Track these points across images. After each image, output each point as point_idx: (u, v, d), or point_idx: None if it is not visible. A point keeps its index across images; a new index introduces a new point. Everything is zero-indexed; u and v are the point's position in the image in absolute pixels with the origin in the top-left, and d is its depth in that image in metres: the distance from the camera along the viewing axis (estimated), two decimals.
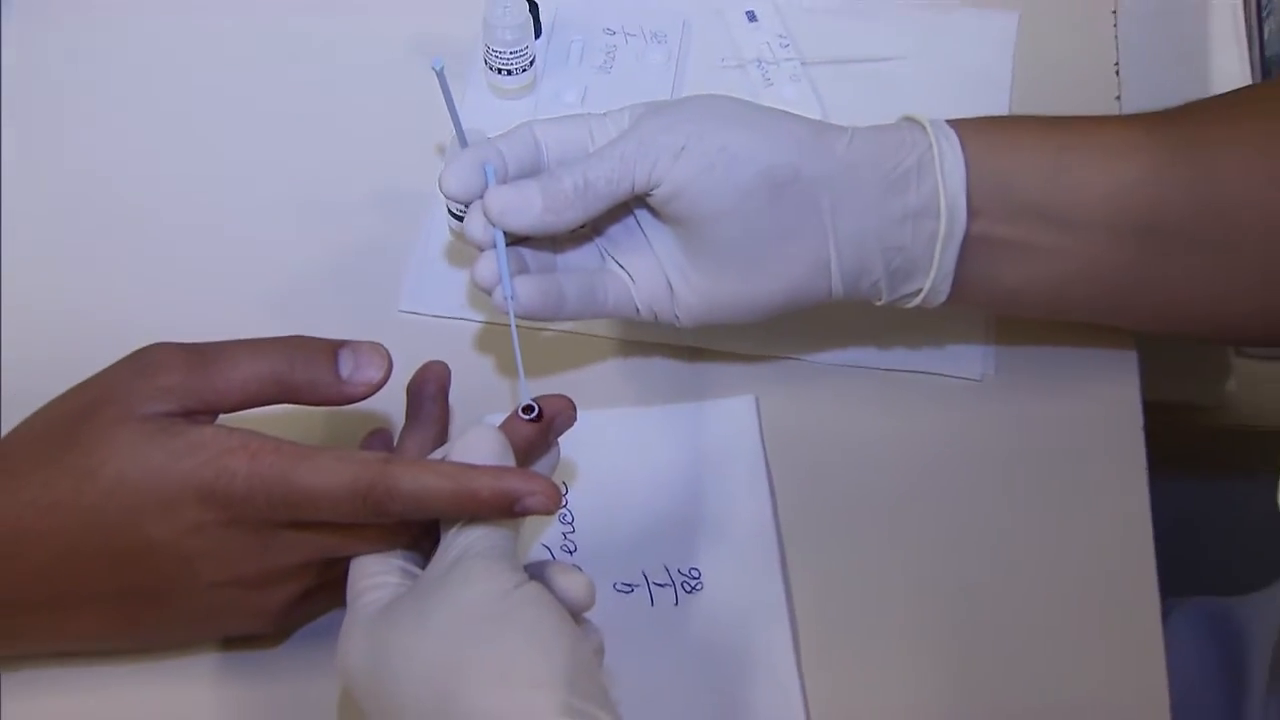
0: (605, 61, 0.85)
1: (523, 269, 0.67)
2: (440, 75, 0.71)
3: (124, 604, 0.60)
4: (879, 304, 0.69)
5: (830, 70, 0.84)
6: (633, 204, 0.68)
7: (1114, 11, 0.87)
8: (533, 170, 0.66)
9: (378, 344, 0.62)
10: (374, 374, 0.62)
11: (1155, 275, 0.68)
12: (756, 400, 0.73)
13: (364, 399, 0.62)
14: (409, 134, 0.81)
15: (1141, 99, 0.83)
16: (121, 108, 0.85)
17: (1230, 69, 0.93)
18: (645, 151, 0.64)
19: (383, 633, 0.56)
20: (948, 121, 0.67)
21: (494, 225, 0.65)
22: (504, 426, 0.61)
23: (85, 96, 0.85)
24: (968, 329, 0.75)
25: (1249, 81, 0.92)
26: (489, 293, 0.66)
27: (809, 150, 0.65)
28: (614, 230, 0.69)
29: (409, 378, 0.67)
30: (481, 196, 0.66)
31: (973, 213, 0.66)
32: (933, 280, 0.67)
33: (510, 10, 0.80)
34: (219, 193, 0.81)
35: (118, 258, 0.79)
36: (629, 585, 0.68)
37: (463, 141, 0.74)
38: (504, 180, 0.66)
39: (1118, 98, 0.83)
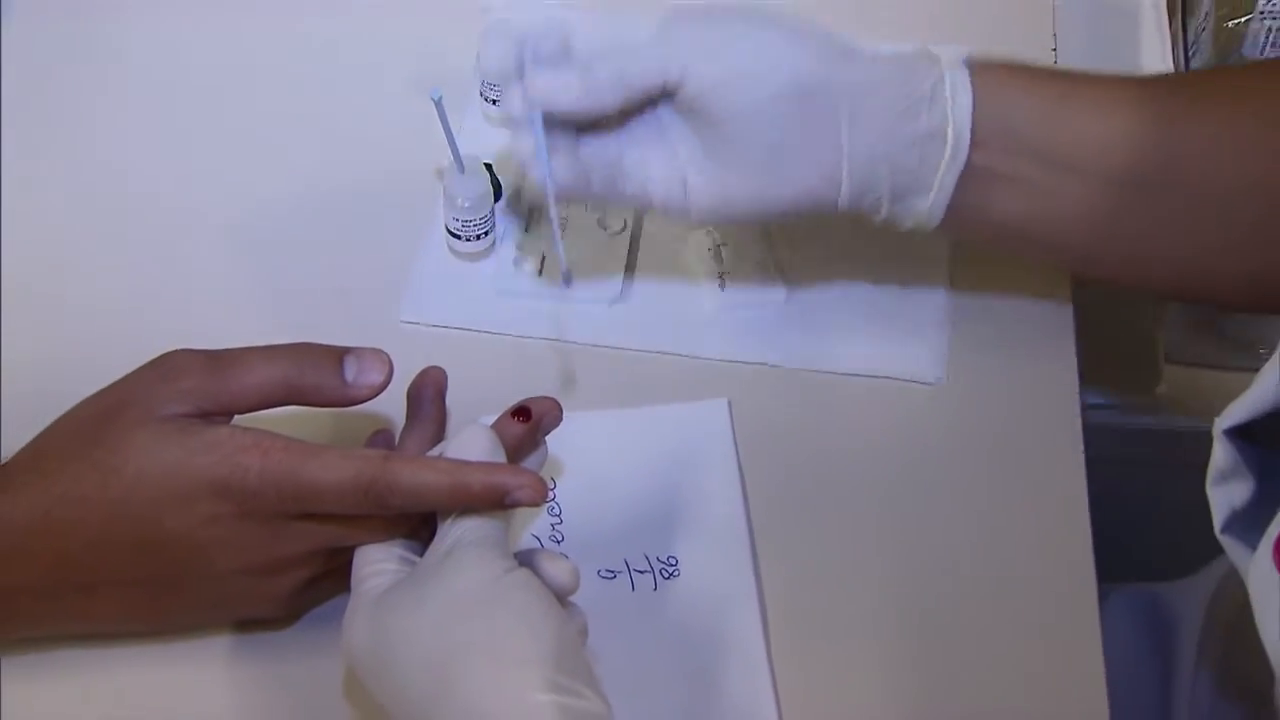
0: None
1: (553, 150, 0.66)
2: (438, 104, 0.72)
3: (145, 590, 0.61)
4: (877, 220, 0.69)
5: None
6: (657, 100, 0.67)
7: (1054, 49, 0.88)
8: (561, 61, 0.65)
9: (379, 350, 0.63)
10: (376, 377, 0.62)
11: (1134, 226, 0.68)
12: (729, 403, 0.73)
13: (368, 401, 0.63)
14: (410, 157, 0.82)
15: None
16: (129, 122, 0.85)
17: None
18: (681, 49, 0.64)
19: (383, 616, 0.56)
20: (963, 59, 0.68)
21: (533, 105, 0.64)
22: (496, 426, 0.62)
23: (89, 116, 0.86)
24: (925, 335, 0.76)
25: None
26: (525, 168, 0.66)
27: (837, 64, 0.66)
28: (636, 124, 0.68)
29: (410, 382, 0.67)
30: (518, 78, 0.65)
31: (975, 144, 0.66)
32: (932, 201, 0.67)
33: (505, 44, 0.81)
34: (230, 209, 0.82)
35: (126, 267, 0.79)
36: (612, 571, 0.68)
37: (459, 165, 0.75)
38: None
39: None
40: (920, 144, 0.66)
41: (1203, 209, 0.67)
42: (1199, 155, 0.67)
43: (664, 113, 0.68)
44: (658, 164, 0.68)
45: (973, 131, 0.66)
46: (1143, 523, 0.88)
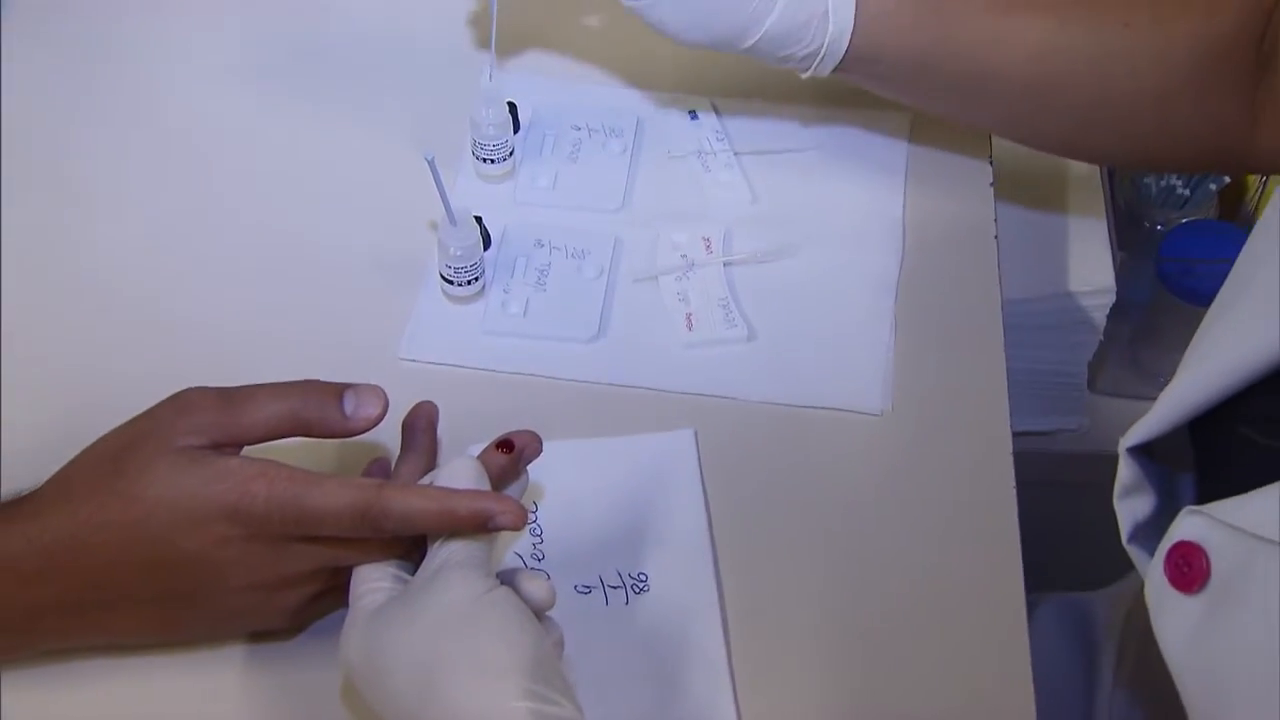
0: (572, 152, 0.84)
1: None
2: (431, 164, 0.71)
3: (162, 605, 0.60)
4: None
5: (757, 159, 0.84)
6: None
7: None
8: None
9: (376, 386, 0.62)
10: (373, 411, 0.62)
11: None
12: (695, 433, 0.72)
13: (366, 432, 0.62)
14: (409, 212, 0.81)
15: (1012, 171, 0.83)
16: (149, 170, 0.84)
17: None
18: None
19: (377, 630, 0.55)
20: None
21: None
22: (481, 457, 0.61)
23: (107, 167, 0.85)
24: (871, 371, 0.75)
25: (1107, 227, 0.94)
26: None
27: None
28: None
29: (405, 414, 0.66)
30: None
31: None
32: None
33: (493, 111, 0.80)
34: (245, 257, 0.80)
35: (161, 303, 0.78)
36: (587, 587, 0.67)
37: (451, 219, 0.74)
38: None
39: (992, 184, 0.83)
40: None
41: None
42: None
43: None
44: None
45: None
46: (1072, 536, 0.88)
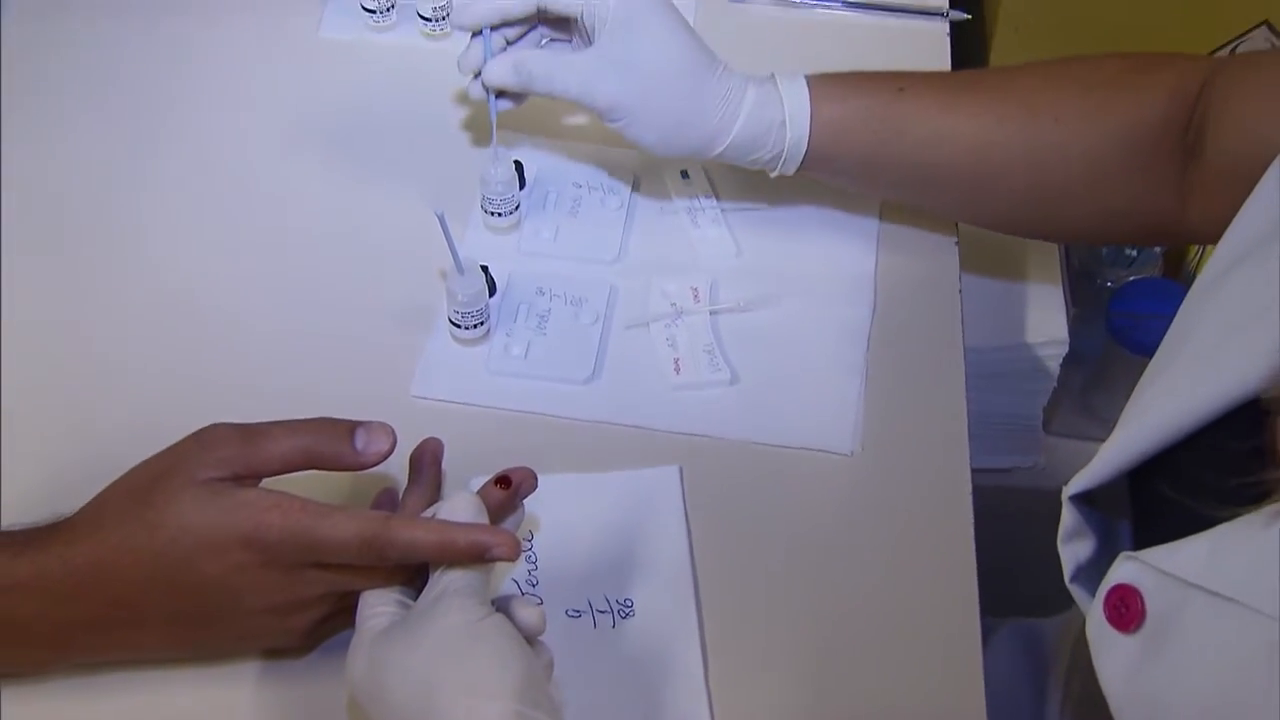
0: (573, 207, 0.84)
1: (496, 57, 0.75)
2: (441, 220, 0.71)
3: (183, 625, 0.59)
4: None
5: (742, 216, 0.84)
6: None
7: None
8: None
9: (385, 424, 0.61)
10: (383, 447, 0.61)
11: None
12: (680, 469, 0.71)
13: (376, 466, 0.61)
14: (421, 262, 0.80)
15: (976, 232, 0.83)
16: (168, 217, 0.83)
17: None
18: (599, 111, 0.75)
19: (380, 652, 0.55)
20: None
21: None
22: (481, 492, 0.60)
23: (135, 219, 0.84)
24: (842, 414, 0.74)
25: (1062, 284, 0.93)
26: (466, 69, 0.77)
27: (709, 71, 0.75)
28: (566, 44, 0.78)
29: (415, 446, 0.66)
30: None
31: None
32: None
33: (500, 169, 0.80)
34: (270, 302, 0.80)
35: (184, 341, 0.77)
36: (577, 611, 0.66)
37: (459, 268, 0.74)
38: None
39: (956, 243, 0.83)
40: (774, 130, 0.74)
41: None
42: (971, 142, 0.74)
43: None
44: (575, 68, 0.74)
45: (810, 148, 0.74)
46: (1028, 564, 0.87)
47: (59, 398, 0.74)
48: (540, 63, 0.74)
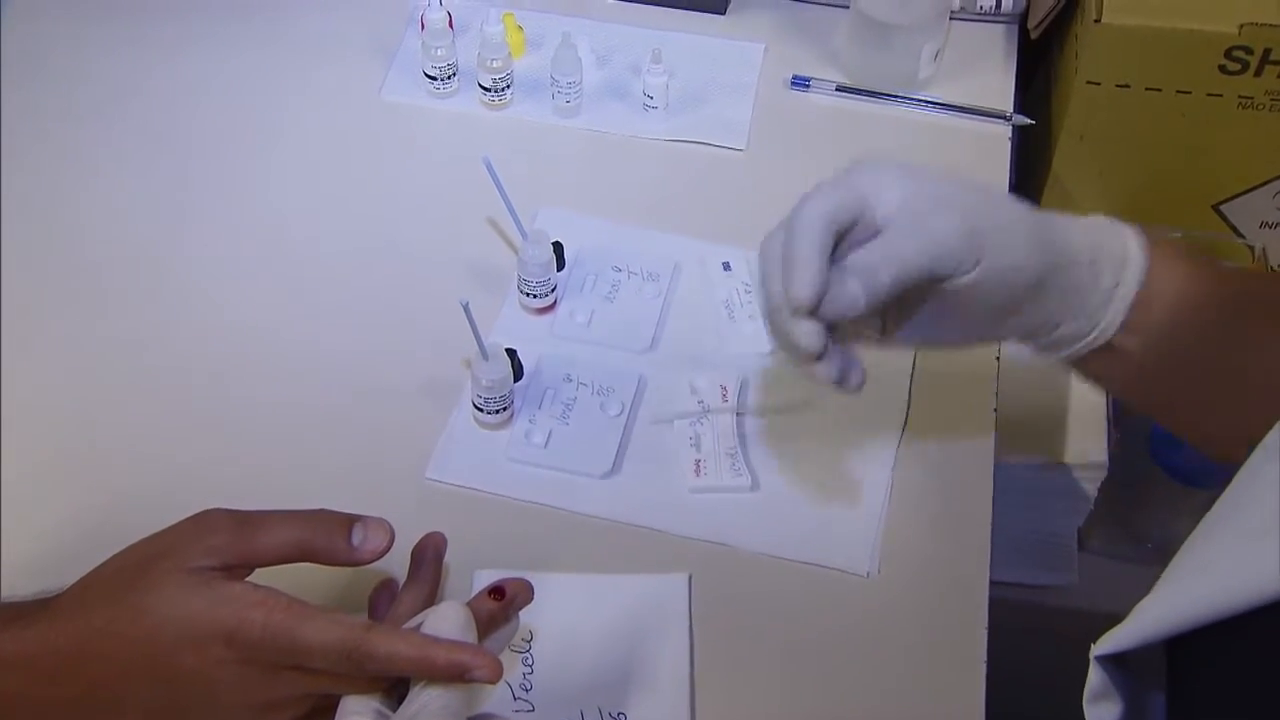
0: (610, 292, 0.80)
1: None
2: (466, 309, 0.68)
3: (159, 715, 0.55)
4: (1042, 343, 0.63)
5: None
6: None
7: None
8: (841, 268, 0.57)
9: (383, 521, 0.58)
10: (379, 544, 0.58)
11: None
12: (690, 577, 0.67)
13: (371, 563, 0.58)
14: (452, 336, 0.74)
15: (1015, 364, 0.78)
16: (193, 306, 0.80)
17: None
18: (948, 256, 0.56)
19: None
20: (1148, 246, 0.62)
21: (824, 318, 0.56)
22: (473, 602, 0.57)
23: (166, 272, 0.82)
24: (863, 534, 0.70)
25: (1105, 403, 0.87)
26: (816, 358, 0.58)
27: (1058, 252, 0.59)
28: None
29: (424, 531, 0.63)
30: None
31: (1124, 327, 0.61)
32: (1072, 350, 0.62)
33: (538, 250, 0.77)
34: (288, 362, 0.77)
35: (208, 413, 0.75)
36: None
37: (483, 353, 0.71)
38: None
39: (997, 358, 0.78)
40: (1093, 313, 0.60)
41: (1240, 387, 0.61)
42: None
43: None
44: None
45: (1125, 321, 0.60)
46: (1057, 685, 0.82)
47: (60, 472, 0.72)
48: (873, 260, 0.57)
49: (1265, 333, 0.61)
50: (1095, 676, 0.51)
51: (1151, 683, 0.53)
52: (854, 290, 0.56)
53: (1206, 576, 0.47)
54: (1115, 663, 0.51)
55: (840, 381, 0.59)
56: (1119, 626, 0.50)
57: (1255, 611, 0.44)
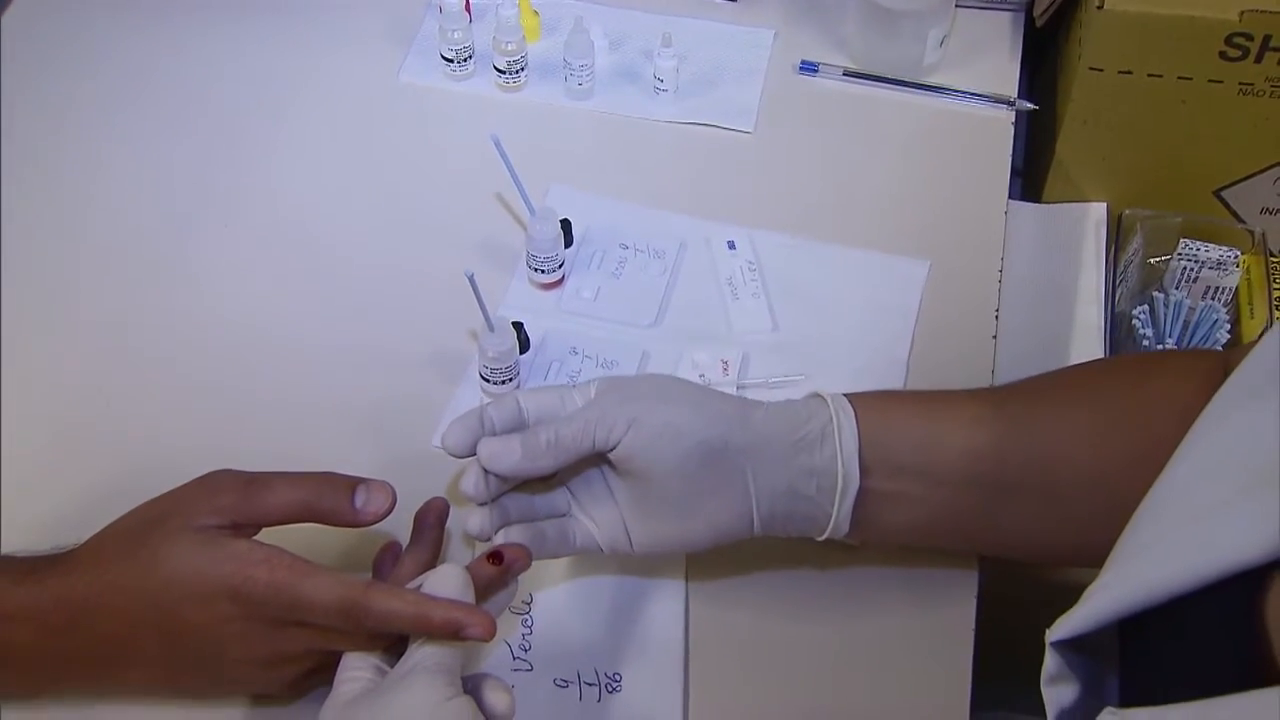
0: (617, 269, 0.80)
1: (505, 518, 0.60)
2: (471, 280, 0.68)
3: (169, 668, 0.57)
4: (788, 535, 0.62)
5: (782, 292, 0.80)
6: (597, 460, 0.61)
7: (999, 270, 0.82)
8: (517, 429, 0.59)
9: (385, 483, 0.59)
10: (381, 506, 0.59)
11: (998, 518, 0.62)
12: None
13: (374, 524, 0.59)
14: (462, 309, 0.74)
15: (1014, 343, 0.77)
16: (234, 271, 0.81)
17: (1090, 320, 0.87)
18: (605, 420, 0.58)
19: (348, 717, 0.52)
20: (845, 396, 0.61)
21: (484, 468, 0.58)
22: (472, 566, 0.57)
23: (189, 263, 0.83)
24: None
25: (1102, 331, 0.86)
26: (477, 539, 0.60)
27: (734, 425, 0.59)
28: (580, 482, 0.62)
29: (430, 496, 0.64)
30: (474, 451, 0.59)
31: (863, 471, 0.60)
32: (833, 524, 0.61)
33: (546, 226, 0.77)
34: (299, 331, 0.77)
35: (213, 384, 0.75)
36: (565, 681, 0.63)
37: (489, 325, 0.71)
38: (492, 434, 0.59)
39: (994, 336, 0.78)
40: (816, 476, 0.59)
41: (1053, 504, 0.61)
42: (1046, 458, 0.60)
43: (605, 469, 0.61)
44: (602, 515, 0.61)
45: (860, 461, 0.60)
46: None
47: (75, 439, 0.72)
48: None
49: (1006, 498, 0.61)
50: (1051, 660, 0.51)
51: (1107, 663, 0.53)
52: (512, 445, 0.58)
53: (1153, 558, 0.47)
54: (1071, 645, 0.51)
55: (476, 536, 0.60)
56: (1072, 611, 0.50)
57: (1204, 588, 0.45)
